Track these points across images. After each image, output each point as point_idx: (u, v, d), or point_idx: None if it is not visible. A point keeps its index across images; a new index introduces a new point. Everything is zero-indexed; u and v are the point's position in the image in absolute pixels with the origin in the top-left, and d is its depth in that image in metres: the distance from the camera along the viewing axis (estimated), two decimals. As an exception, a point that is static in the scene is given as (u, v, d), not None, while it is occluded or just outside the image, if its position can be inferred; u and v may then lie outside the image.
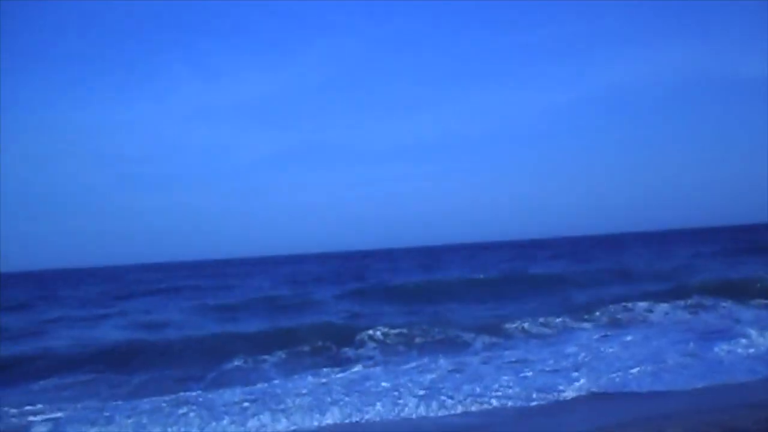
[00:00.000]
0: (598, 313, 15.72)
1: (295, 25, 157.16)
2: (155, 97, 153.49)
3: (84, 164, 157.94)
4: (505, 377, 9.70)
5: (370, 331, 13.95)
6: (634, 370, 9.72)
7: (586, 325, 14.93)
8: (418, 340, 13.48)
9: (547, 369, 10.19)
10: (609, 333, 13.75)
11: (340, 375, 10.52)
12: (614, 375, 9.53)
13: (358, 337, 13.60)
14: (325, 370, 10.97)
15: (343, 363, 11.76)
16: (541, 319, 14.93)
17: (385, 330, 14.00)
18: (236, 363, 11.78)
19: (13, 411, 9.30)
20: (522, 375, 9.84)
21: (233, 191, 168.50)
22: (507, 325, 14.45)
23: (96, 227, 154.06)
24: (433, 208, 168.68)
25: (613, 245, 62.11)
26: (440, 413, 8.17)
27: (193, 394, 9.69)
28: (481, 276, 26.32)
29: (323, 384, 9.86)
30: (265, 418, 8.17)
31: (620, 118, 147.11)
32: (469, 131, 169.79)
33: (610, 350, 11.55)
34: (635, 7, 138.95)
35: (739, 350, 10.90)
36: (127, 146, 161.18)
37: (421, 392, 8.96)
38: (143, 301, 27.19)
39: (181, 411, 8.65)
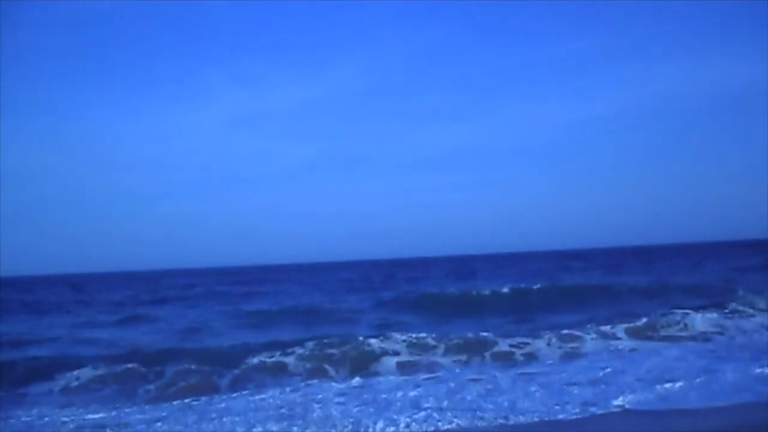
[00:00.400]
0: (630, 325, 15.34)
1: (329, 36, 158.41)
2: (192, 106, 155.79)
3: (121, 171, 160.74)
4: (531, 389, 9.48)
5: (398, 337, 13.76)
6: (666, 386, 9.43)
7: (619, 335, 14.59)
8: (443, 349, 13.20)
9: (575, 381, 9.96)
10: (641, 346, 13.44)
11: (360, 385, 10.45)
12: (644, 390, 9.25)
13: (380, 346, 13.29)
14: (347, 379, 10.93)
15: (365, 372, 11.64)
16: (571, 331, 14.57)
17: (409, 339, 13.73)
18: (260, 370, 11.74)
19: (48, 411, 9.50)
20: (546, 388, 9.60)
21: (266, 198, 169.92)
22: (536, 336, 14.11)
23: (130, 232, 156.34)
24: (465, 217, 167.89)
25: (644, 257, 61.08)
26: (456, 426, 7.95)
27: (212, 399, 9.77)
28: (509, 288, 25.60)
29: (344, 393, 9.78)
30: (283, 427, 8.09)
31: (651, 132, 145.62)
32: (501, 143, 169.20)
33: (642, 364, 11.27)
34: (665, 22, 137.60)
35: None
36: (165, 154, 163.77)
37: (444, 404, 8.79)
38: (175, 305, 27.38)
39: (201, 416, 8.67)
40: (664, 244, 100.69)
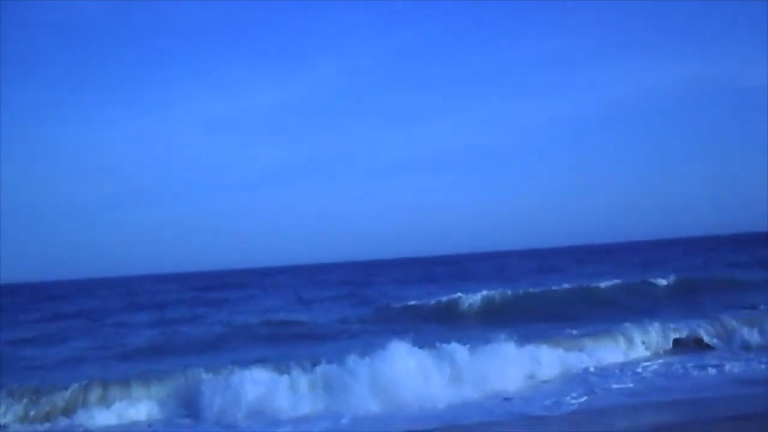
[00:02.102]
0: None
1: (304, 38, 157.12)
2: (166, 110, 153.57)
3: (94, 177, 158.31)
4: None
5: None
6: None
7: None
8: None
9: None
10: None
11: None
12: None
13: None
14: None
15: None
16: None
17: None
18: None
19: None
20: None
21: (244, 202, 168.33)
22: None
23: (104, 238, 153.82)
24: (444, 218, 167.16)
25: (633, 252, 60.61)
26: None
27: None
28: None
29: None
30: None
31: (634, 129, 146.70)
32: (481, 142, 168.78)
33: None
34: (642, 19, 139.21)
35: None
36: (138, 158, 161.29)
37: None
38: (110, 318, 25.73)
39: None
40: (653, 240, 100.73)
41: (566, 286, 23.84)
